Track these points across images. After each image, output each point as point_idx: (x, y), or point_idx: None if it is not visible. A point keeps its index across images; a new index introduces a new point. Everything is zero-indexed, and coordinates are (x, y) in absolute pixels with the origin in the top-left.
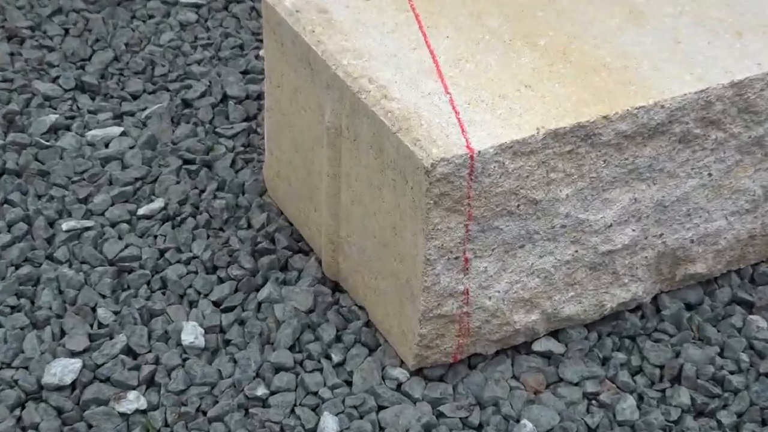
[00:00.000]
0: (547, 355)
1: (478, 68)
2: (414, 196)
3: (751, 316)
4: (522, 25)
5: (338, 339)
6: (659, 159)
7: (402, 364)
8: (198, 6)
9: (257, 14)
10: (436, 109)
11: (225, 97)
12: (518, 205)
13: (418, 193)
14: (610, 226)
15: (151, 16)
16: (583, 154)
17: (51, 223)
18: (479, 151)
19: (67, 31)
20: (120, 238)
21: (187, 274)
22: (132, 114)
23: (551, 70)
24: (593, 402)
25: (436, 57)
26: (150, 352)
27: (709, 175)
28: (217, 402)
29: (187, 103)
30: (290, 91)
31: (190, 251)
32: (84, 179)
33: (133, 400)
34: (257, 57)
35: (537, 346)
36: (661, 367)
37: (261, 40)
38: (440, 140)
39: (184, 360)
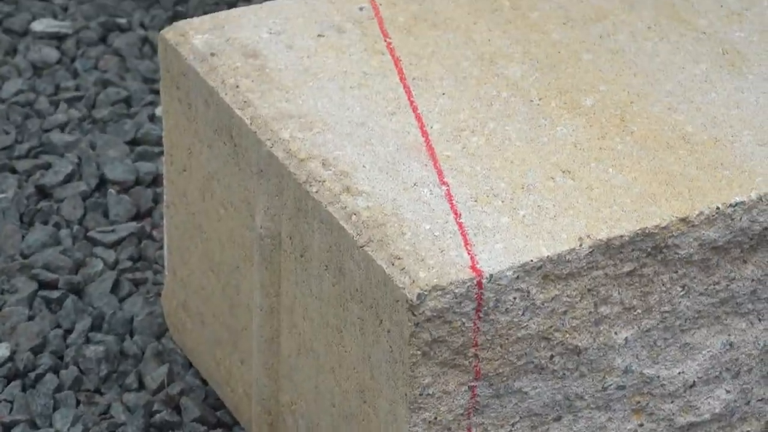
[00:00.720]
0: None
1: (490, 144)
2: (392, 344)
3: None
4: (558, 74)
5: None
6: (767, 282)
7: None
8: (60, 37)
9: (152, 50)
10: (426, 209)
11: (102, 182)
12: (552, 357)
13: (398, 339)
14: (693, 385)
15: None
16: (651, 277)
17: None
18: (491, 275)
19: None
20: None
21: None
22: None
23: (602, 146)
24: None
25: (425, 127)
26: None
27: None
28: None
29: (44, 192)
30: (202, 178)
31: (50, 426)
32: None
33: None
34: (152, 118)
35: None
36: None
37: (158, 92)
38: (431, 258)
39: None
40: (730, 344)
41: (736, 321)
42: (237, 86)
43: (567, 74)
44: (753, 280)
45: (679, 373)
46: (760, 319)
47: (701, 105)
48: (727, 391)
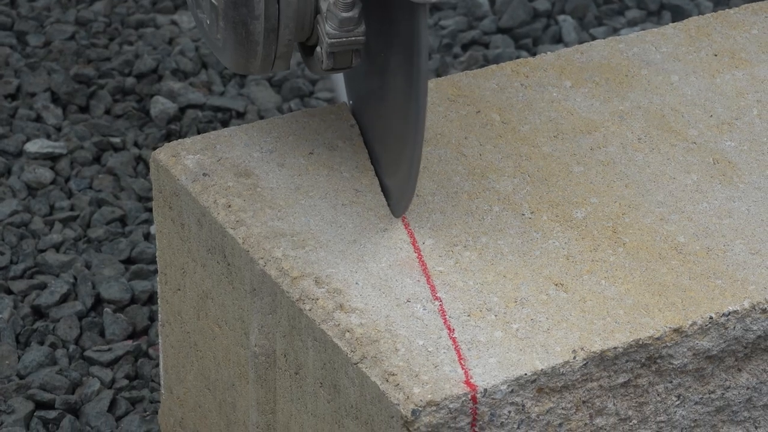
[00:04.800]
0: None
1: (483, 258)
2: None
3: None
4: (549, 187)
5: None
6: (762, 390)
7: None
8: (54, 158)
9: (146, 168)
10: (419, 325)
11: (98, 302)
12: None
13: None
14: None
15: None
16: (646, 388)
17: None
18: (485, 389)
19: None
20: None
21: None
22: None
23: (594, 258)
24: None
25: (417, 242)
26: None
27: None
28: None
29: (39, 313)
30: (197, 297)
31: None
32: None
33: None
34: (147, 236)
35: None
36: None
37: (152, 210)
38: (426, 373)
39: None
40: None
41: (732, 429)
42: (229, 205)
43: (558, 187)
44: (748, 388)
45: None
46: (756, 427)
47: (693, 215)
48: None
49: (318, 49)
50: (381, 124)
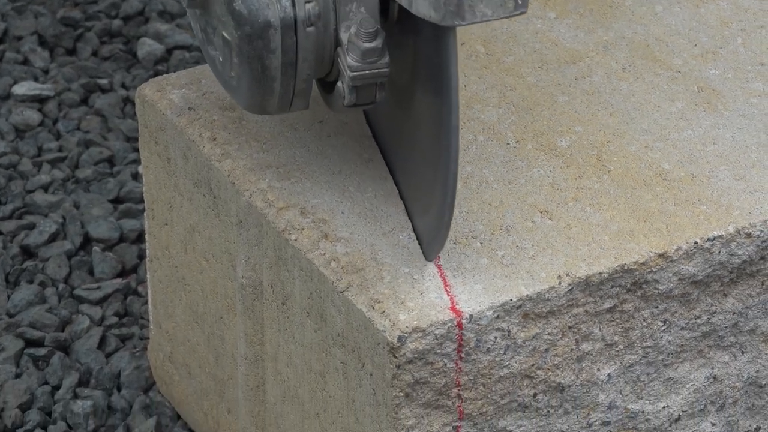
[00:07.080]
0: None
1: (468, 187)
2: (375, 387)
3: None
4: (534, 117)
5: None
6: (748, 315)
7: None
8: (42, 100)
9: (133, 109)
10: (405, 253)
11: (87, 241)
12: (535, 395)
13: (380, 381)
14: (678, 419)
15: None
16: (632, 313)
17: None
18: (471, 315)
19: None
20: None
21: None
22: None
23: (579, 185)
24: None
25: None
26: None
27: None
28: None
29: (29, 252)
30: (184, 230)
31: None
32: None
33: None
34: (135, 176)
35: None
36: None
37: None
38: (411, 300)
39: None
40: (714, 377)
41: (718, 354)
42: (215, 139)
43: (543, 116)
44: (734, 313)
45: (664, 407)
46: (742, 352)
47: (677, 142)
48: (713, 424)
49: (339, 83)
50: (409, 163)
